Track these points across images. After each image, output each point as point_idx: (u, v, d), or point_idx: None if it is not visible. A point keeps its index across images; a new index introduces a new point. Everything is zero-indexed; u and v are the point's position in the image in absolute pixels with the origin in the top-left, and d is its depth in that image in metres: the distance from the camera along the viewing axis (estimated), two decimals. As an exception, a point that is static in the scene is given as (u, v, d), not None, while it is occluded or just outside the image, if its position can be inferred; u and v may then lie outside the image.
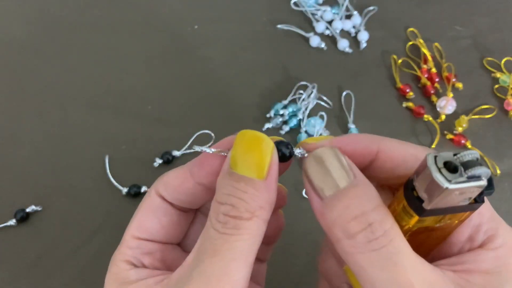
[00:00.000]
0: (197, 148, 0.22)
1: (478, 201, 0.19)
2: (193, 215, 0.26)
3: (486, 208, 0.21)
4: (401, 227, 0.19)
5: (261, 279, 0.27)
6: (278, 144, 0.21)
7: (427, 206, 0.18)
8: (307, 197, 0.40)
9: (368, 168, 0.22)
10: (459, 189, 0.18)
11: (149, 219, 0.23)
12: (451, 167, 0.18)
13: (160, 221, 0.23)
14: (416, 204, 0.19)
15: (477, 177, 0.18)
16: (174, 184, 0.23)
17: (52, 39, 0.47)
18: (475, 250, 0.21)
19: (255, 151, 0.21)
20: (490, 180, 0.18)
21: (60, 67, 0.46)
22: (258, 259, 0.26)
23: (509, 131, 0.44)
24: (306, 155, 0.21)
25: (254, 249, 0.20)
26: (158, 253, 0.23)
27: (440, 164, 0.18)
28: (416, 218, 0.19)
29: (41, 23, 0.48)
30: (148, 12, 0.49)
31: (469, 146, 0.42)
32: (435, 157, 0.18)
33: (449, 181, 0.17)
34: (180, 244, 0.25)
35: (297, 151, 0.22)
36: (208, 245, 0.19)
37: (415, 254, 0.19)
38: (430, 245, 0.22)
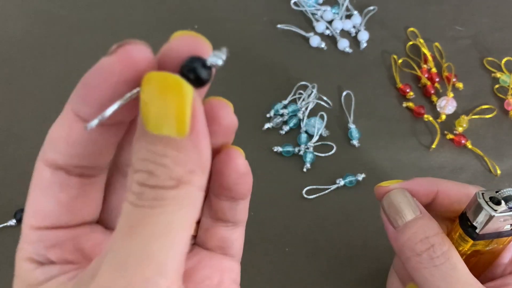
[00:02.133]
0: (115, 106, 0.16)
1: None
2: (104, 178, 0.19)
3: None
4: (459, 251, 0.25)
5: (236, 250, 0.22)
6: (190, 63, 0.16)
7: (479, 231, 0.25)
8: (307, 197, 0.40)
9: (431, 205, 0.28)
10: (502, 216, 0.24)
11: (43, 200, 0.18)
12: (495, 201, 0.24)
13: (57, 199, 0.18)
14: (470, 231, 0.25)
15: None
16: (59, 136, 0.17)
17: (51, 39, 0.47)
18: None
19: (169, 99, 0.15)
20: None
21: (60, 67, 0.46)
22: (226, 221, 0.21)
23: (509, 131, 0.44)
24: (220, 61, 0.17)
25: (186, 222, 0.16)
26: (68, 242, 0.18)
27: (487, 199, 0.24)
28: (470, 242, 0.25)
29: (41, 23, 0.48)
30: (147, 12, 0.49)
31: (469, 146, 0.42)
32: (483, 193, 0.24)
33: (495, 210, 0.24)
34: (100, 221, 0.20)
35: (212, 60, 0.16)
36: (123, 223, 0.15)
37: (468, 271, 0.24)
38: (480, 267, 0.28)
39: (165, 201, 0.15)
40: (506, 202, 0.24)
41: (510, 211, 0.24)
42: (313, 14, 0.50)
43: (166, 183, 0.15)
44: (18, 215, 0.38)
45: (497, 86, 0.46)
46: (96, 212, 0.19)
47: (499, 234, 0.25)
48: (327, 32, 0.48)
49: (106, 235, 0.19)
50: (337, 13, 0.49)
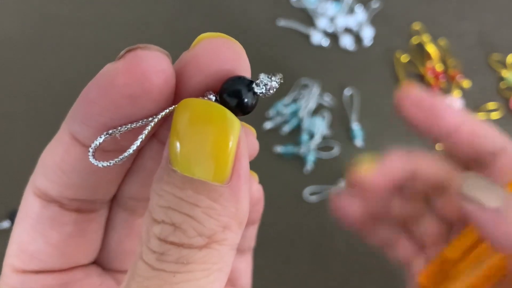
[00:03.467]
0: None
1: None
2: (105, 214, 0.16)
3: None
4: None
5: (245, 280, 0.20)
6: (234, 86, 0.13)
7: None
8: (308, 198, 0.39)
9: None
10: None
11: (31, 239, 0.14)
12: None
13: (48, 238, 0.14)
14: None
15: None
16: (53, 161, 0.14)
17: (47, 37, 0.47)
18: None
19: (210, 134, 0.12)
20: None
21: (56, 65, 0.45)
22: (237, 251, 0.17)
23: (516, 130, 0.43)
24: (274, 85, 0.13)
25: None
26: None
27: None
28: None
29: (36, 20, 0.48)
30: (145, 9, 0.49)
31: (475, 146, 0.41)
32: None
33: None
34: (97, 261, 0.17)
35: (260, 90, 0.13)
36: None
37: None
38: None
39: (192, 265, 0.12)
40: None
41: None
42: (314, 10, 0.49)
43: (195, 241, 0.12)
44: (13, 217, 0.37)
45: (502, 84, 0.45)
46: (94, 254, 0.16)
47: None
48: (329, 29, 0.48)
49: (104, 279, 0.16)
50: (340, 10, 0.48)
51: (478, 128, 0.25)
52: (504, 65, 0.46)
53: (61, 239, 0.14)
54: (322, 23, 0.47)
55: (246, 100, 0.13)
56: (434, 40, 0.47)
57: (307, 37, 0.47)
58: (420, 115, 0.25)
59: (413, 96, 0.25)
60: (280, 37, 0.47)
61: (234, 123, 0.12)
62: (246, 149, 0.13)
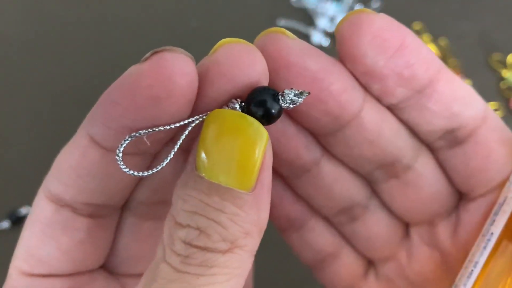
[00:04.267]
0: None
1: None
2: (116, 219, 0.16)
3: None
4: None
5: (247, 281, 0.20)
6: (261, 97, 0.13)
7: None
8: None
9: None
10: None
11: (41, 243, 0.15)
12: None
13: (59, 243, 0.14)
14: None
15: None
16: (69, 165, 0.14)
17: (46, 37, 0.47)
18: None
19: (239, 145, 0.13)
20: None
21: (54, 66, 0.45)
22: None
23: (516, 130, 0.43)
24: (299, 101, 0.14)
25: None
26: None
27: None
28: None
29: (36, 21, 0.47)
30: (145, 9, 0.49)
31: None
32: None
33: None
34: (104, 265, 0.17)
35: (286, 103, 0.14)
36: None
37: None
38: None
39: (215, 269, 0.12)
40: None
41: None
42: (314, 9, 0.49)
43: (218, 245, 0.12)
44: (12, 217, 0.37)
45: (503, 84, 0.45)
46: (102, 259, 0.16)
47: None
48: (330, 28, 0.48)
49: (109, 283, 0.16)
50: (340, 9, 0.48)
51: (457, 88, 0.17)
52: (504, 65, 0.46)
53: (72, 244, 0.15)
54: (322, 22, 0.47)
55: (272, 110, 0.13)
56: (435, 39, 0.47)
57: (307, 36, 0.47)
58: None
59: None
60: (280, 37, 0.47)
61: (263, 133, 0.13)
62: (271, 160, 0.13)
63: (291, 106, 0.14)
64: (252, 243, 0.13)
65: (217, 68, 0.13)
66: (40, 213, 0.14)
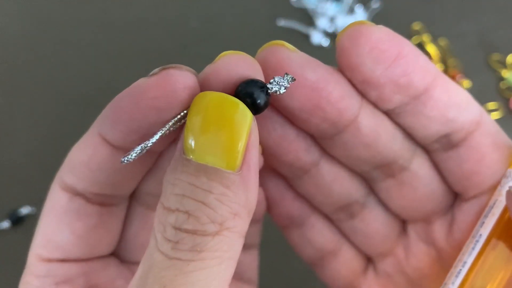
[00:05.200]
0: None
1: None
2: (125, 208, 0.18)
3: None
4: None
5: (251, 273, 0.21)
6: (248, 86, 0.14)
7: None
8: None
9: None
10: None
11: (57, 229, 0.16)
12: None
13: (73, 228, 0.16)
14: None
15: None
16: (81, 160, 0.16)
17: (46, 37, 0.47)
18: None
19: (224, 126, 0.13)
20: None
21: (55, 65, 0.45)
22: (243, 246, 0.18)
23: (516, 130, 0.43)
24: (283, 89, 0.15)
25: (226, 282, 0.13)
26: (81, 278, 0.16)
27: None
28: None
29: (36, 20, 0.48)
30: (146, 9, 0.49)
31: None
32: None
33: None
34: (115, 253, 0.18)
35: (274, 87, 0.15)
36: (152, 280, 0.12)
37: None
38: None
39: (205, 253, 0.12)
40: None
41: None
42: (314, 10, 0.49)
43: (207, 227, 0.13)
44: (12, 217, 0.37)
45: (502, 84, 0.45)
46: (113, 243, 0.17)
47: None
48: (329, 29, 0.48)
49: (121, 270, 0.17)
50: (340, 9, 0.48)
51: (453, 93, 0.17)
52: (504, 65, 0.46)
53: (85, 229, 0.16)
54: (322, 23, 0.47)
55: (259, 100, 0.14)
56: (434, 40, 0.47)
57: (307, 37, 0.47)
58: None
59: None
60: (280, 37, 0.47)
61: (247, 114, 0.13)
62: (257, 141, 0.14)
63: (281, 90, 0.14)
64: (241, 224, 0.13)
65: (215, 73, 0.15)
66: (55, 202, 0.16)
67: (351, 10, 0.49)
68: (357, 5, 0.48)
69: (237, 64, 0.14)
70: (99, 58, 0.46)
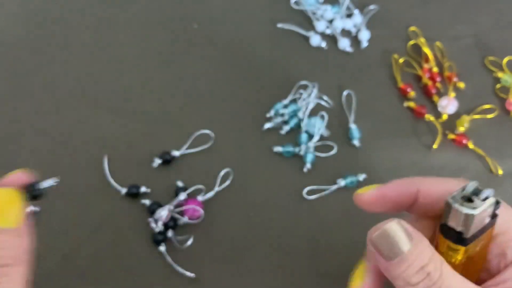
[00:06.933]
0: None
1: (494, 216, 0.25)
2: None
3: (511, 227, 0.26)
4: (452, 263, 0.25)
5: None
6: (29, 186, 0.26)
7: (467, 235, 0.24)
8: (307, 197, 0.40)
9: (414, 206, 0.28)
10: (482, 211, 0.23)
11: None
12: (466, 199, 0.24)
13: None
14: (458, 238, 0.24)
15: (487, 198, 0.24)
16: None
17: (51, 39, 0.47)
18: (510, 266, 0.25)
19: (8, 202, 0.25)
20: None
21: (58, 67, 0.46)
22: None
23: (511, 131, 0.44)
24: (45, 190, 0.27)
25: None
26: None
27: (461, 201, 0.24)
28: (462, 249, 0.24)
29: (40, 23, 0.48)
30: (148, 12, 0.49)
31: (471, 146, 0.42)
32: (453, 197, 0.24)
33: (474, 208, 0.23)
34: None
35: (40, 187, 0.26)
36: None
37: (466, 282, 0.24)
38: (477, 269, 0.27)
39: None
40: (476, 195, 0.24)
41: (484, 203, 0.24)
42: (313, 13, 0.49)
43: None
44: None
45: (498, 86, 0.46)
46: None
47: (483, 229, 0.25)
48: (328, 31, 0.48)
49: None
50: (338, 12, 0.49)
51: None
52: (499, 67, 0.47)
53: None
54: (320, 25, 0.48)
55: (33, 191, 0.26)
56: (431, 42, 0.48)
57: (306, 39, 0.48)
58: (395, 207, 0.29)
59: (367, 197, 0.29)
60: (280, 40, 0.48)
61: (13, 196, 0.25)
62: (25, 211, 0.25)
63: (43, 192, 0.27)
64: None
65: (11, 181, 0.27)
66: None
67: (348, 13, 0.49)
68: (355, 8, 0.49)
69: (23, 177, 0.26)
70: (102, 60, 0.46)
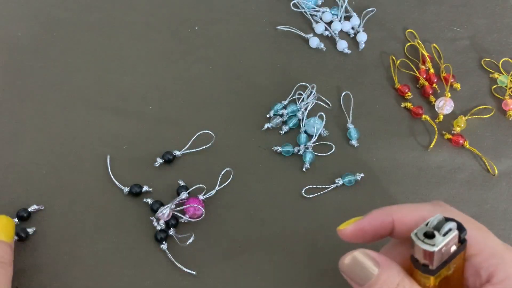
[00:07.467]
0: None
1: (462, 242, 0.26)
2: None
3: (485, 248, 0.27)
4: (427, 286, 0.26)
5: None
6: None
7: (432, 267, 0.25)
8: (306, 196, 0.40)
9: (392, 234, 0.30)
10: (443, 245, 0.25)
11: None
12: (429, 234, 0.25)
13: None
14: (425, 269, 0.26)
15: (449, 230, 0.25)
16: None
17: (53, 40, 0.47)
18: (484, 285, 0.27)
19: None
20: (459, 226, 0.26)
21: (61, 68, 0.46)
22: None
23: (507, 131, 0.44)
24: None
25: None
26: None
27: (422, 237, 0.25)
28: (432, 277, 0.26)
29: (42, 24, 0.48)
30: (149, 13, 0.49)
31: (467, 146, 0.43)
32: (416, 233, 0.25)
33: (433, 245, 0.25)
34: None
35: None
36: None
37: None
38: (456, 286, 0.28)
39: None
40: (438, 231, 0.25)
41: (446, 236, 0.25)
42: (312, 15, 0.50)
43: None
44: (20, 214, 0.38)
45: (494, 86, 0.46)
46: None
47: (452, 256, 0.26)
48: (326, 33, 0.49)
49: None
50: (336, 15, 0.50)
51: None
52: (496, 68, 0.47)
53: None
54: (319, 28, 0.49)
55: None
56: (428, 44, 0.48)
57: (305, 41, 0.48)
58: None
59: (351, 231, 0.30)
60: (279, 42, 0.48)
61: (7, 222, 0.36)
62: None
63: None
64: None
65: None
66: None
67: (347, 16, 0.50)
68: (353, 11, 0.50)
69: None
70: (104, 61, 0.47)
